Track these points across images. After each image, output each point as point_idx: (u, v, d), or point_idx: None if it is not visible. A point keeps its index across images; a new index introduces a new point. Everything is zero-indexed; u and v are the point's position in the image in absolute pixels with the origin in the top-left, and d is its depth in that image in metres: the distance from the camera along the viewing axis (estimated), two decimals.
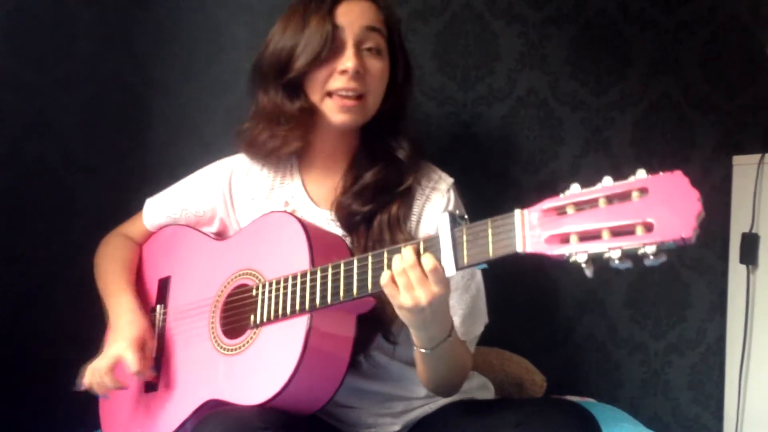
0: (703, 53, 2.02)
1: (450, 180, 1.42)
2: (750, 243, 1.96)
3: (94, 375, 1.29)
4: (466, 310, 1.34)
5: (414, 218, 1.38)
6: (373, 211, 1.34)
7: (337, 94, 1.31)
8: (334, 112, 1.32)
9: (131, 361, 1.27)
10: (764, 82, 2.05)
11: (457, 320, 1.31)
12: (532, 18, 1.89)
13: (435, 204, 1.38)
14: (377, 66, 1.33)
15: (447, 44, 1.85)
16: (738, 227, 2.00)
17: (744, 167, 2.00)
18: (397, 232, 1.33)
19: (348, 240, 1.34)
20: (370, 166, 1.37)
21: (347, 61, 1.29)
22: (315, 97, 1.33)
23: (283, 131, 1.35)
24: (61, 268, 1.69)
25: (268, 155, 1.40)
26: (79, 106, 1.70)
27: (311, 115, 1.35)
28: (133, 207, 1.57)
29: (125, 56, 1.71)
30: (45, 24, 1.67)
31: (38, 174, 1.68)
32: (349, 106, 1.31)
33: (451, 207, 1.38)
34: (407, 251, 1.07)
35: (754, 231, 1.95)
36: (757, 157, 1.94)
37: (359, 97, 1.32)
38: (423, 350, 1.19)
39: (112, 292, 1.41)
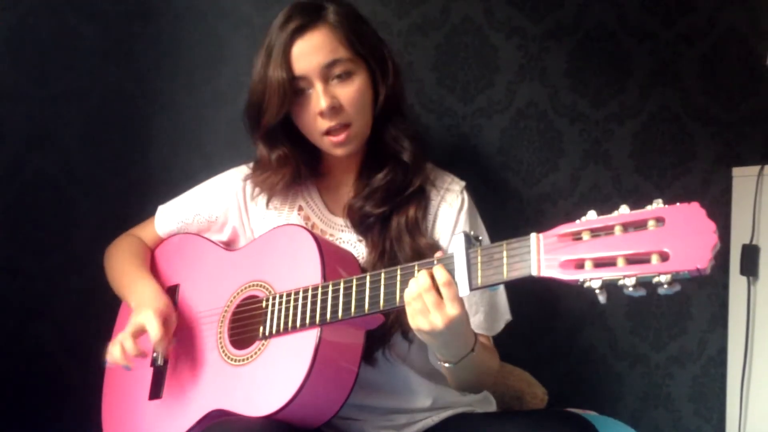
0: (703, 65, 2.03)
1: (462, 182, 1.44)
2: (750, 254, 1.95)
3: (118, 343, 1.27)
4: (487, 306, 1.36)
5: (430, 218, 1.39)
6: (388, 213, 1.36)
7: (329, 131, 1.32)
8: (331, 149, 1.35)
9: (154, 329, 1.26)
10: (764, 93, 2.05)
11: (480, 317, 1.34)
12: (532, 31, 1.90)
13: (450, 204, 1.40)
14: (351, 91, 1.32)
15: (446, 57, 1.86)
16: (738, 239, 2.00)
17: (744, 179, 2.00)
18: (417, 234, 1.34)
19: (362, 243, 1.36)
20: (379, 170, 1.37)
21: (319, 102, 1.30)
22: (314, 137, 1.36)
23: (269, 177, 1.39)
24: (62, 281, 1.70)
25: (269, 192, 1.42)
26: (81, 120, 1.70)
27: (294, 158, 1.38)
28: (134, 219, 1.58)
29: (126, 69, 1.72)
30: (46, 38, 1.67)
31: (40, 187, 1.69)
32: (341, 141, 1.33)
33: (466, 207, 1.40)
34: (422, 275, 1.08)
35: (754, 242, 1.95)
36: (756, 168, 1.94)
37: (347, 125, 1.32)
38: (447, 365, 1.20)
39: (134, 279, 1.41)
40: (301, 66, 1.30)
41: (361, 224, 1.37)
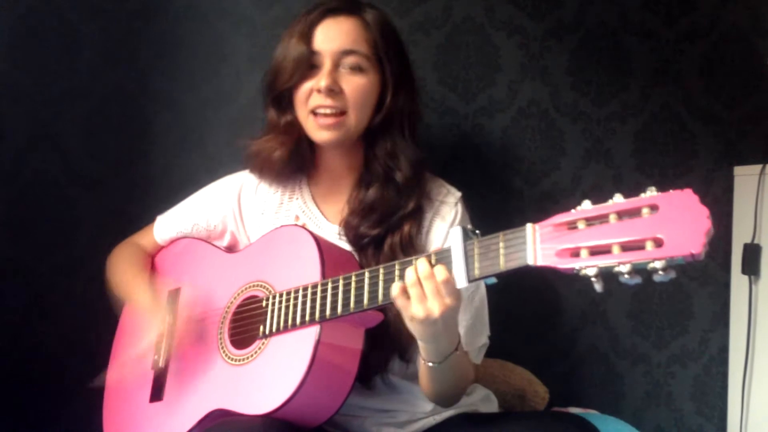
0: (704, 64, 2.02)
1: (458, 194, 1.43)
2: (752, 253, 1.95)
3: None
4: (470, 321, 1.34)
5: (423, 231, 1.38)
6: (382, 234, 1.35)
7: (317, 112, 1.33)
8: (315, 130, 1.35)
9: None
10: (765, 92, 2.05)
11: (461, 330, 1.31)
12: (533, 29, 1.90)
13: (443, 217, 1.39)
14: (356, 82, 1.33)
15: (448, 56, 1.86)
16: (740, 238, 1.99)
17: (745, 177, 1.99)
18: (412, 252, 1.32)
19: (356, 256, 1.35)
20: (373, 185, 1.37)
21: (320, 80, 1.32)
22: (301, 114, 1.36)
23: (269, 141, 1.39)
24: (64, 280, 1.70)
25: (262, 168, 1.42)
26: (82, 119, 1.70)
27: (298, 129, 1.38)
28: (136, 219, 1.58)
29: (128, 68, 1.72)
30: (48, 37, 1.67)
31: (41, 186, 1.69)
32: (328, 124, 1.33)
33: (458, 220, 1.39)
34: (421, 262, 1.08)
35: (755, 241, 1.94)
36: (758, 167, 1.94)
37: (340, 113, 1.33)
38: (431, 364, 1.19)
39: (132, 287, 1.44)
40: (320, 42, 1.33)
41: (356, 242, 1.36)
